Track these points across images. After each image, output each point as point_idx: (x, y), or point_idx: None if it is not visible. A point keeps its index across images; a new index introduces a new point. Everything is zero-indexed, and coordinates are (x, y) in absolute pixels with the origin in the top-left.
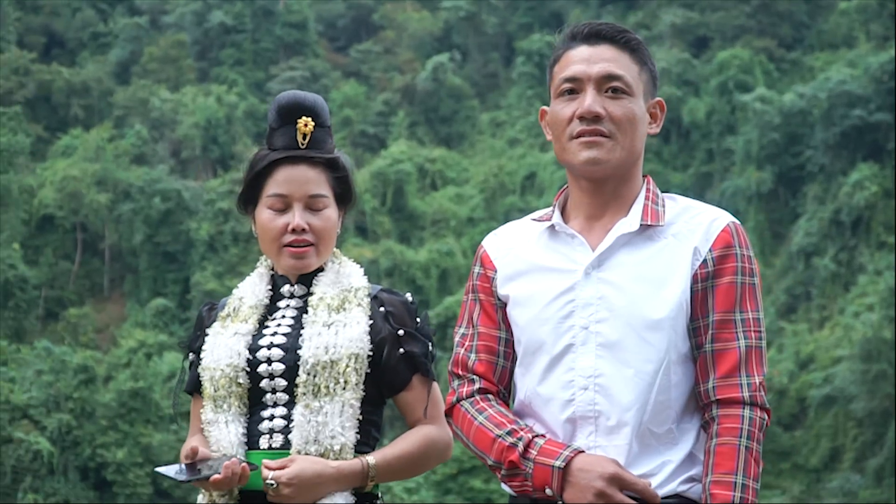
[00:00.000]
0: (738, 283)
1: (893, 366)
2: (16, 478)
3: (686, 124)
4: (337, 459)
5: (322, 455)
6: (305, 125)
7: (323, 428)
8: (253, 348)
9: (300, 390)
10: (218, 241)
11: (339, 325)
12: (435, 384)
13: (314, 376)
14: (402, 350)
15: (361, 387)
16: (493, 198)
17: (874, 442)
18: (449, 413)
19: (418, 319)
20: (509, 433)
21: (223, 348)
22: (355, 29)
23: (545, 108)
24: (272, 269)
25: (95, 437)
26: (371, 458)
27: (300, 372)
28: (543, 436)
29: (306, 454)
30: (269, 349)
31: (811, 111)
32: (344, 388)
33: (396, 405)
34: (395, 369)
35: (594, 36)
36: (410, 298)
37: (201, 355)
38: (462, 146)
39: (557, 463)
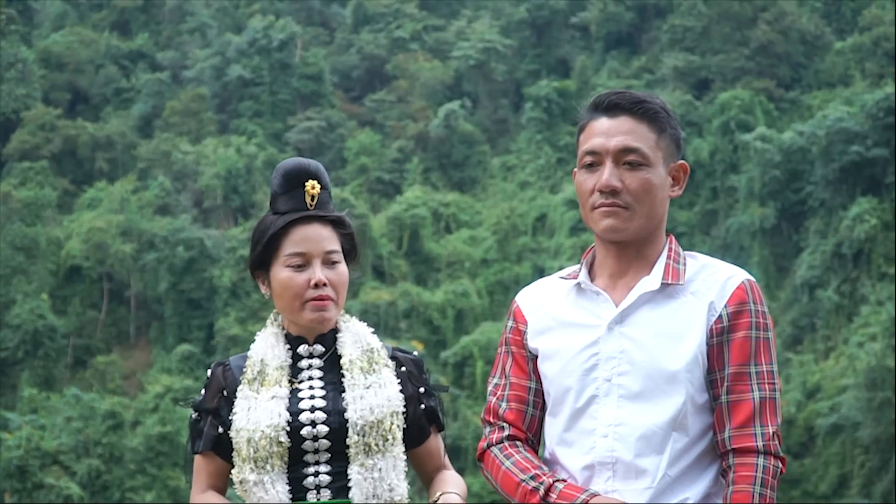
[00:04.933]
0: (753, 338)
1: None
2: None
3: (690, 164)
4: None
5: None
6: (313, 187)
7: (380, 483)
8: (293, 411)
9: (352, 451)
10: (240, 288)
11: (377, 387)
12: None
13: (363, 436)
14: (423, 406)
15: (402, 441)
16: (505, 239)
17: (880, 468)
18: (480, 458)
19: (425, 376)
20: (532, 478)
21: (263, 411)
22: (369, 79)
23: (577, 170)
24: (284, 329)
25: (124, 481)
26: (448, 499)
27: (350, 433)
28: (564, 480)
29: None
30: (311, 412)
31: (810, 148)
32: (393, 444)
33: (412, 457)
34: (419, 424)
35: (613, 107)
36: (419, 355)
37: (232, 418)
38: (474, 190)
39: None
